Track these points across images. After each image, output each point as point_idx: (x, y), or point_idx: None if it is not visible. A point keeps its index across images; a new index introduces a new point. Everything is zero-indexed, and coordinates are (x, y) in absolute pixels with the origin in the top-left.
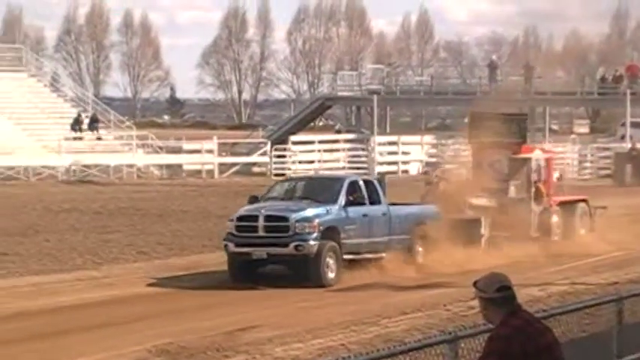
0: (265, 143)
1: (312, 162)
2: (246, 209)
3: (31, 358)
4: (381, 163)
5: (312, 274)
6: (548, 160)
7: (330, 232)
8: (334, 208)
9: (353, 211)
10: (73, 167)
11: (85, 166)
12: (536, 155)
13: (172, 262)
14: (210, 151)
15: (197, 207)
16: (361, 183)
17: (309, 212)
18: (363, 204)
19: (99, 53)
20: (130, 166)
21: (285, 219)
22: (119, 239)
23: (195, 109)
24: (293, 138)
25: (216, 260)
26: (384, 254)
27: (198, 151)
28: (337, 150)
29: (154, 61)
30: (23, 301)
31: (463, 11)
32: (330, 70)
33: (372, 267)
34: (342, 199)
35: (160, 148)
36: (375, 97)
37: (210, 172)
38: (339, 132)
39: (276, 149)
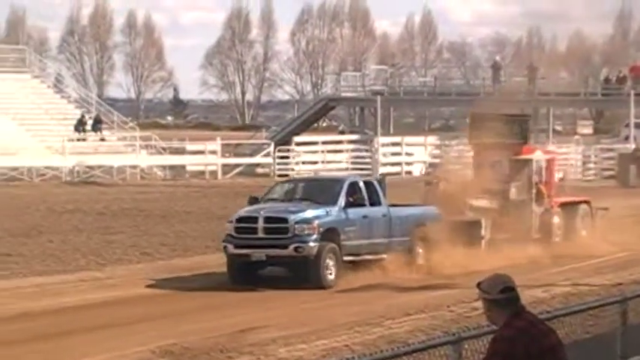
0: (269, 144)
1: (315, 163)
2: (245, 210)
3: (35, 358)
4: (385, 164)
5: (312, 275)
6: (549, 161)
7: (329, 233)
8: (334, 210)
9: (353, 212)
10: (77, 168)
11: (88, 166)
12: (538, 156)
13: (176, 263)
14: (213, 152)
15: (200, 208)
16: (361, 184)
17: (309, 214)
18: (363, 205)
19: (102, 54)
20: (134, 167)
21: (284, 220)
22: (122, 240)
23: (199, 110)
24: (296, 139)
25: (220, 261)
26: (384, 256)
27: (201, 152)
28: (341, 151)
29: (158, 61)
30: (27, 302)
31: (467, 12)
32: (334, 70)
33: (374, 268)
34: (342, 201)
35: (164, 149)
36: (378, 97)
37: (213, 173)
38: (342, 133)
39: (279, 150)
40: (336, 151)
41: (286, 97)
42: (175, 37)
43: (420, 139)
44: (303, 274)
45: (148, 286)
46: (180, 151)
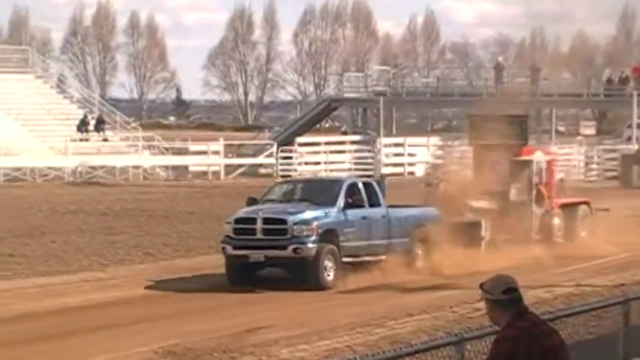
0: (271, 145)
1: (318, 163)
2: (244, 211)
3: (37, 359)
4: (387, 165)
5: (311, 276)
6: (549, 162)
7: (328, 234)
8: (333, 211)
9: (352, 213)
10: (79, 168)
11: (91, 167)
12: (538, 157)
13: (178, 264)
14: (216, 153)
15: (203, 208)
16: (360, 185)
17: (308, 215)
18: (362, 206)
19: (105, 54)
20: (136, 167)
21: (283, 221)
22: (125, 240)
23: (202, 111)
24: (299, 139)
25: (222, 262)
26: (383, 257)
27: (204, 153)
28: (343, 151)
29: (160, 62)
30: (29, 303)
31: (469, 13)
32: (337, 71)
33: (375, 269)
34: (340, 202)
35: (166, 149)
36: (381, 98)
37: (216, 174)
38: (345, 133)
39: (282, 151)
40: (338, 151)
41: (289, 98)
42: (178, 38)
43: (422, 139)
44: (301, 275)
45: (151, 287)
46: (183, 152)
